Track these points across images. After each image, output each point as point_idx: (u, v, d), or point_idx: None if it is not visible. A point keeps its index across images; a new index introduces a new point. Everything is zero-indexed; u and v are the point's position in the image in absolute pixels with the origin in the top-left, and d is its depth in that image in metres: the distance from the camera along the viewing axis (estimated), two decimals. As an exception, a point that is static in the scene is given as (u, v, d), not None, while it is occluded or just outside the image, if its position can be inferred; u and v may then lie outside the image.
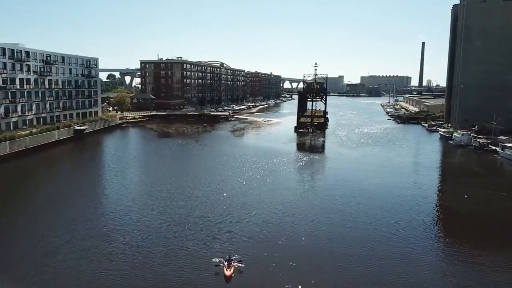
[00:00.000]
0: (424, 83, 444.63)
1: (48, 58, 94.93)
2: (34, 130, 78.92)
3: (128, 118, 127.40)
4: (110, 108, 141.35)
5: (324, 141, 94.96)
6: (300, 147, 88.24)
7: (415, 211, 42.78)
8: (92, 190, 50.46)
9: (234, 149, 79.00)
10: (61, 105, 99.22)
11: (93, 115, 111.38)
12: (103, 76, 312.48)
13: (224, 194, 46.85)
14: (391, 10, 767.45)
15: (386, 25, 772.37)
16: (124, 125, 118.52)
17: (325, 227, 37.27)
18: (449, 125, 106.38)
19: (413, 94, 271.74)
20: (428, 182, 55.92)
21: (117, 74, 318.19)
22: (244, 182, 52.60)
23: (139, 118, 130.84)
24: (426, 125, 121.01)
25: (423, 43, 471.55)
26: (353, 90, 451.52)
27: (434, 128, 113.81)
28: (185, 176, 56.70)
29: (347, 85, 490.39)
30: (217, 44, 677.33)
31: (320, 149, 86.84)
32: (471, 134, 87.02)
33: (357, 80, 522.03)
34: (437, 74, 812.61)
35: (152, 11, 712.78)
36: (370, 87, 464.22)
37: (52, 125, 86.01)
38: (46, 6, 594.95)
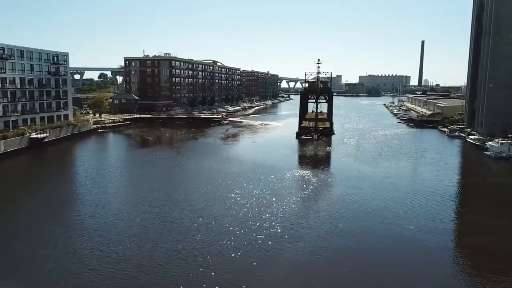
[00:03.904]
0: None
1: (1, 51, 78.84)
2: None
3: (106, 122, 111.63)
4: (91, 111, 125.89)
5: (333, 152, 79.01)
6: (305, 160, 72.17)
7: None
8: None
9: (222, 166, 62.41)
10: (19, 108, 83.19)
11: (62, 119, 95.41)
12: (94, 75, 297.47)
13: (208, 256, 31.21)
14: (391, 10, 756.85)
15: (385, 25, 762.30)
16: (99, 130, 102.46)
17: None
18: (479, 130, 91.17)
19: (416, 94, 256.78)
20: (494, 224, 40.02)
21: (109, 73, 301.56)
22: (230, 238, 36.97)
23: (118, 121, 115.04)
24: (446, 130, 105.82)
25: (423, 42, 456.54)
26: (352, 90, 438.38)
27: (456, 133, 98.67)
28: (148, 216, 39.46)
29: (346, 84, 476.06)
30: (216, 44, 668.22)
31: (330, 163, 71.11)
32: (512, 143, 72.02)
33: (355, 80, 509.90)
34: (437, 73, 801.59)
35: (152, 11, 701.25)
36: (370, 87, 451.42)
37: (-2, 134, 69.90)
38: (46, 6, 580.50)
